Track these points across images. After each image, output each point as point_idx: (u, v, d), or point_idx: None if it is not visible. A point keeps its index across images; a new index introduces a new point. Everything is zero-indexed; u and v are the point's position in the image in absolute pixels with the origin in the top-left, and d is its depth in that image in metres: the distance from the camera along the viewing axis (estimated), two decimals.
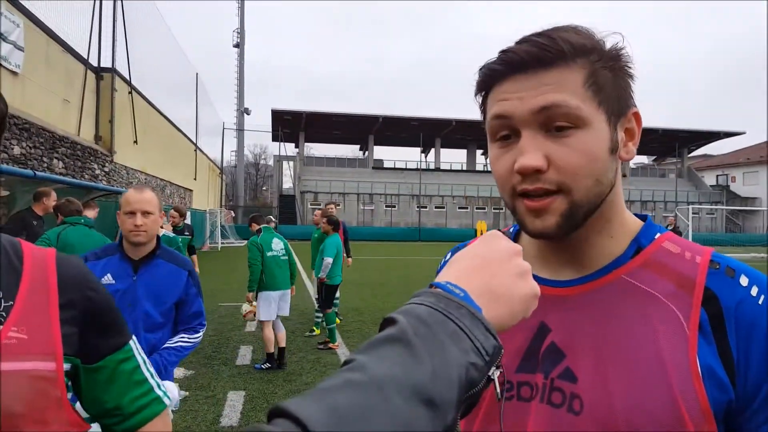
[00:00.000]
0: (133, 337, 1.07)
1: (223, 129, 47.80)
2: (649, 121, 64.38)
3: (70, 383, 0.95)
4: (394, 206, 49.27)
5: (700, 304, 0.71)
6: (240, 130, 57.90)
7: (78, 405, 1.01)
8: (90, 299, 0.96)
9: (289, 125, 54.25)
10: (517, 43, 0.73)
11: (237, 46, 58.56)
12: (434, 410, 0.45)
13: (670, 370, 0.68)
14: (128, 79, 18.33)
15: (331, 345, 7.16)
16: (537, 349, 0.78)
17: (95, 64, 16.19)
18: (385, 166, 57.02)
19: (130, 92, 18.43)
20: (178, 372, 6.07)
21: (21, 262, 0.92)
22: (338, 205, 9.49)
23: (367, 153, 59.07)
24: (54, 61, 13.21)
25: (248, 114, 59.05)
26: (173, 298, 2.68)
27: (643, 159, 66.28)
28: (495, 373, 0.53)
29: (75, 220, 4.68)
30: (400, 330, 0.49)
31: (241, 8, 57.87)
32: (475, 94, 0.78)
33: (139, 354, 1.08)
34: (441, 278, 0.59)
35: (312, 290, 10.26)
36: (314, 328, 7.96)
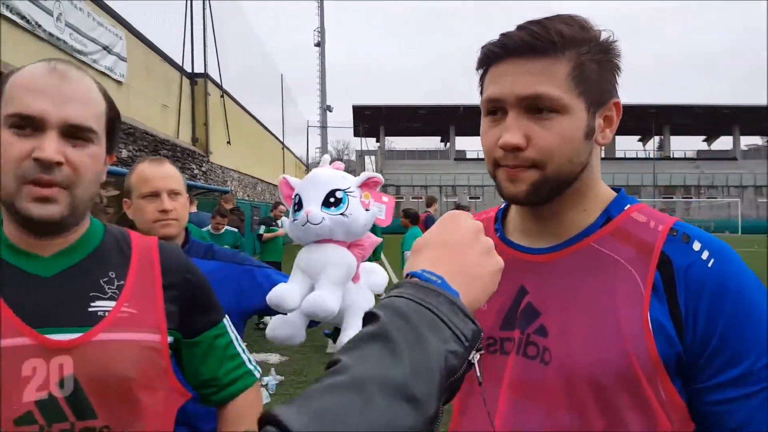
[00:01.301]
0: (226, 316, 1.19)
1: (307, 127, 49.33)
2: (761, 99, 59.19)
3: (173, 356, 1.05)
4: (479, 197, 48.59)
5: (655, 267, 0.79)
6: (323, 127, 59.41)
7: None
8: (188, 281, 1.08)
9: (370, 120, 54.88)
10: (517, 28, 0.81)
11: (318, 45, 59.95)
12: (416, 405, 0.47)
13: (624, 326, 0.77)
14: (219, 83, 19.27)
15: None
16: (515, 309, 0.88)
17: (189, 70, 17.16)
18: (468, 156, 56.25)
19: (221, 96, 19.38)
20: (274, 358, 6.38)
21: (130, 249, 1.04)
22: (435, 200, 9.59)
23: (448, 144, 58.57)
24: (153, 69, 14.14)
25: (330, 111, 60.45)
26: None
27: (757, 140, 60.91)
28: (475, 357, 0.56)
29: None
30: (380, 326, 0.51)
31: (321, 7, 59.15)
32: (476, 69, 0.88)
33: (232, 331, 1.20)
34: (416, 266, 0.63)
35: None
36: None
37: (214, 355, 1.12)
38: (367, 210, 1.38)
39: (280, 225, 9.01)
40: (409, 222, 7.44)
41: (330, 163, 1.46)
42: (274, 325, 1.37)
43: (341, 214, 1.31)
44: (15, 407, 0.85)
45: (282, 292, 1.29)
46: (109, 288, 0.96)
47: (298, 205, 1.35)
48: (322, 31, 59.51)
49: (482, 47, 0.85)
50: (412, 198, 57.57)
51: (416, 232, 7.42)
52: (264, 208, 12.66)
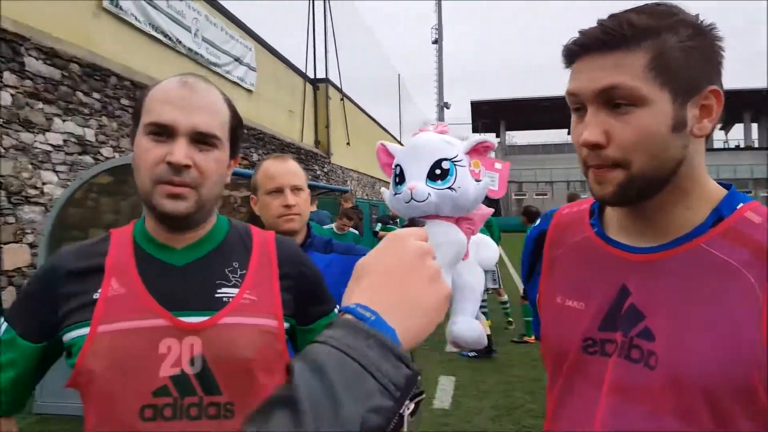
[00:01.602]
0: (338, 306, 1.20)
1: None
2: None
3: (289, 341, 1.11)
4: None
5: None
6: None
7: None
8: (302, 273, 1.14)
9: (489, 115, 53.84)
10: (597, 22, 0.80)
11: (435, 42, 60.00)
12: None
13: (741, 334, 0.73)
14: (339, 87, 19.98)
15: (527, 338, 6.94)
16: (618, 310, 0.84)
17: (312, 76, 17.98)
18: None
19: (341, 99, 20.09)
20: None
21: (251, 242, 1.13)
22: (578, 196, 9.07)
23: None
24: (280, 77, 14.99)
25: (448, 108, 60.16)
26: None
27: None
28: (408, 408, 0.52)
29: None
30: (290, 389, 0.47)
31: (439, 5, 59.10)
32: (564, 67, 0.86)
33: None
34: (352, 298, 0.57)
35: (519, 282, 10.02)
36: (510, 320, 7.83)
37: None
38: (477, 181, 1.23)
39: (398, 224, 9.08)
40: (528, 220, 7.10)
41: (433, 127, 1.32)
42: None
43: (449, 188, 1.19)
44: (153, 380, 0.95)
45: None
46: (233, 276, 1.05)
47: (400, 177, 1.25)
48: (439, 28, 59.46)
49: (564, 45, 0.84)
50: (536, 195, 55.57)
51: None
52: (382, 206, 12.92)
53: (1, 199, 5.39)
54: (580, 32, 0.81)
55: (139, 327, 0.96)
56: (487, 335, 6.55)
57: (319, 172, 17.13)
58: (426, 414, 4.56)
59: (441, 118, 58.15)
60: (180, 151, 0.96)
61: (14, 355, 1.02)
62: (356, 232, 7.26)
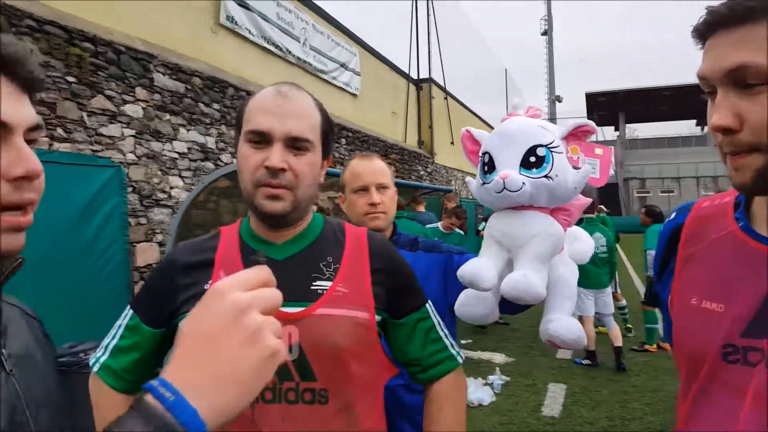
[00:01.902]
0: (429, 302, 1.24)
1: None
2: None
3: (381, 333, 1.16)
4: None
5: None
6: (552, 119, 57.07)
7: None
8: (393, 268, 1.19)
9: (606, 107, 50.76)
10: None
11: (545, 33, 57.76)
12: None
13: None
14: (443, 85, 19.91)
15: (647, 347, 6.46)
16: (764, 315, 0.76)
17: (415, 76, 18.09)
18: None
19: (445, 98, 20.00)
20: (499, 357, 6.31)
21: (344, 236, 1.19)
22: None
23: (706, 128, 51.08)
24: (383, 79, 15.25)
25: (560, 102, 57.57)
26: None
27: None
28: None
29: (399, 213, 5.35)
30: None
31: None
32: (699, 50, 0.81)
33: (434, 316, 1.25)
34: (165, 369, 0.51)
35: (640, 286, 9.37)
36: (629, 326, 7.31)
37: (417, 337, 1.19)
38: (576, 168, 1.13)
39: None
40: (651, 220, 6.55)
41: (524, 111, 1.23)
42: (464, 301, 1.21)
43: (545, 176, 1.09)
44: None
45: (475, 268, 1.11)
46: (327, 270, 1.12)
47: (489, 166, 1.16)
48: (549, 18, 57.19)
49: (692, 26, 0.80)
50: (661, 192, 51.20)
51: (658, 229, 6.57)
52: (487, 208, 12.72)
53: (134, 202, 6.02)
54: (706, 9, 0.76)
55: None
56: (617, 347, 6.10)
57: (422, 173, 17.19)
58: (533, 421, 4.45)
59: (553, 113, 55.89)
60: (276, 156, 1.04)
61: (138, 339, 1.15)
62: (461, 232, 7.22)
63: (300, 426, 1.01)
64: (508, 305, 1.26)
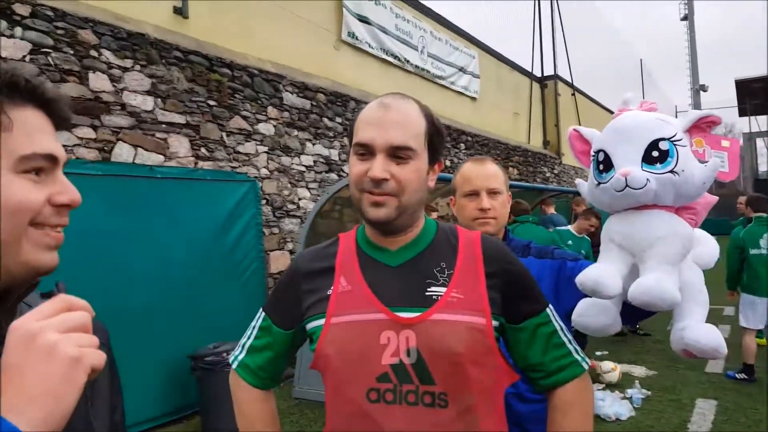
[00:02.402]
0: (550, 306, 1.19)
1: (675, 112, 43.86)
2: None
3: (500, 337, 1.15)
4: None
5: None
6: (697, 110, 51.74)
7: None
8: (508, 271, 1.16)
9: (761, 94, 45.16)
10: None
11: (685, 18, 52.82)
12: None
13: None
14: (570, 81, 18.99)
15: None
16: None
17: (538, 74, 17.45)
18: None
19: (572, 94, 19.07)
20: (639, 370, 5.90)
21: (457, 242, 1.18)
22: None
23: None
24: (503, 80, 14.92)
25: (705, 91, 52.22)
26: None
27: None
28: None
29: (524, 218, 5.21)
30: None
31: None
32: None
33: (556, 321, 1.20)
34: None
35: None
36: None
37: (538, 342, 1.16)
38: (702, 162, 1.04)
39: None
40: None
41: (636, 106, 1.14)
42: (583, 311, 1.16)
43: (670, 171, 1.01)
44: (377, 367, 1.06)
45: (598, 275, 1.05)
46: (440, 276, 1.12)
47: (605, 164, 1.09)
48: (689, 1, 52.22)
49: None
50: None
51: None
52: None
53: (268, 213, 6.48)
54: None
55: (364, 320, 1.09)
56: None
57: (548, 174, 16.53)
58: None
59: (697, 104, 50.84)
60: (378, 166, 1.08)
61: (270, 339, 1.24)
62: (589, 239, 6.79)
63: (422, 428, 1.03)
64: (628, 314, 1.19)
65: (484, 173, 1.79)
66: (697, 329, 1.04)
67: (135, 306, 4.66)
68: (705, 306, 1.10)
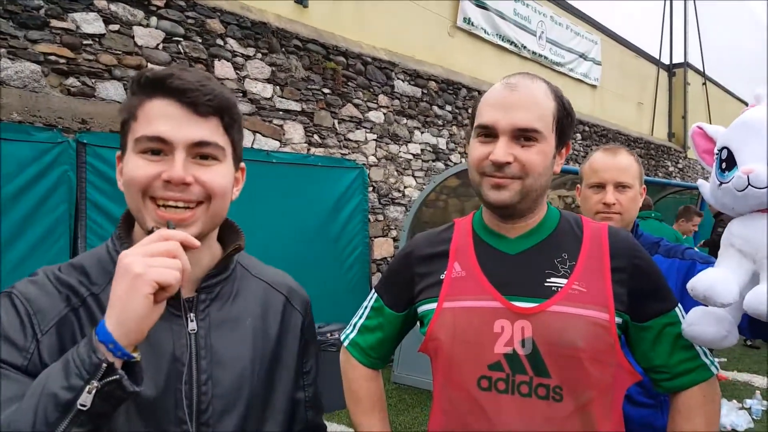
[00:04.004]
0: (679, 305, 1.12)
1: None
2: None
3: (622, 336, 1.09)
4: None
5: None
6: None
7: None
8: (637, 266, 1.09)
9: None
10: None
11: None
12: None
13: None
14: (702, 70, 17.36)
15: None
16: None
17: (666, 62, 16.11)
18: None
19: (704, 83, 17.41)
20: (760, 380, 5.60)
21: (581, 232, 1.14)
22: None
23: None
24: (627, 67, 13.92)
25: None
26: None
27: None
28: (92, 386, 0.70)
29: (646, 214, 4.87)
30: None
31: None
32: None
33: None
34: None
35: None
36: None
37: (664, 342, 1.09)
38: None
39: None
40: None
41: None
42: (693, 319, 1.06)
43: None
44: (489, 355, 1.04)
45: (711, 280, 0.97)
46: (562, 267, 1.08)
47: (727, 163, 1.02)
48: None
49: None
50: None
51: None
52: None
53: (374, 200, 6.56)
54: None
55: (478, 306, 1.07)
56: None
57: (672, 168, 15.29)
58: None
59: None
60: (500, 149, 1.04)
61: (381, 320, 1.25)
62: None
63: (534, 421, 1.00)
64: (752, 327, 1.10)
65: (614, 165, 1.69)
66: (756, 294, 0.93)
67: None
68: None
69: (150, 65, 4.55)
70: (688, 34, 16.81)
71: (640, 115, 14.57)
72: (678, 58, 16.47)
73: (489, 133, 1.07)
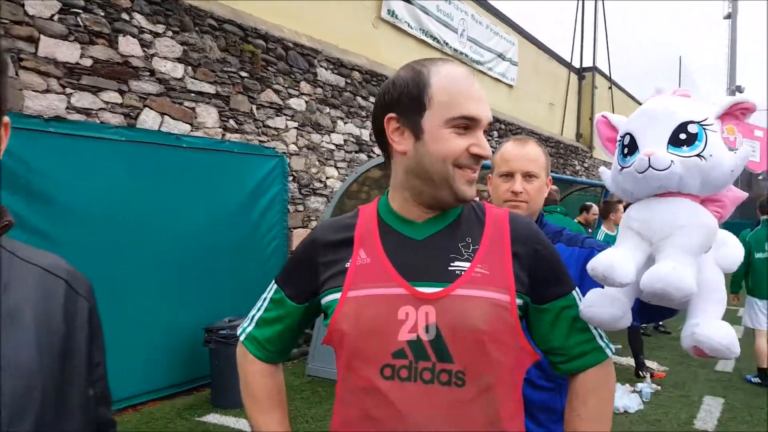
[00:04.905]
0: (576, 289, 1.14)
1: None
2: None
3: (523, 317, 1.10)
4: None
5: None
6: (731, 96, 50.22)
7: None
8: (537, 251, 1.11)
9: None
10: None
11: (728, 17, 51.01)
12: None
13: None
14: (608, 74, 18.45)
15: None
16: None
17: (577, 65, 16.97)
18: None
19: (609, 87, 18.54)
20: (651, 366, 6.02)
21: (484, 216, 1.14)
22: None
23: None
24: (541, 69, 14.52)
25: (741, 92, 50.59)
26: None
27: None
28: None
29: (552, 208, 5.09)
30: None
31: None
32: None
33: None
34: None
35: None
36: None
37: (562, 325, 1.12)
38: (733, 150, 0.98)
39: None
40: None
41: (670, 93, 1.07)
42: (592, 301, 1.07)
43: (697, 155, 0.95)
44: (393, 343, 1.02)
45: (612, 261, 0.98)
46: (465, 251, 1.07)
47: (630, 148, 1.04)
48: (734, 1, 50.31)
49: None
50: None
51: None
52: None
53: (294, 190, 6.36)
54: None
55: (382, 294, 1.04)
56: None
57: (578, 167, 16.16)
58: None
59: None
60: (486, 144, 1.06)
61: (281, 312, 1.19)
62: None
63: (437, 407, 0.99)
64: (644, 311, 1.15)
65: (523, 155, 1.72)
66: (710, 326, 0.98)
67: (152, 274, 4.61)
68: (722, 305, 1.03)
69: (43, 37, 4.10)
70: (597, 41, 17.81)
71: (551, 116, 15.26)
72: (588, 63, 17.42)
73: (469, 125, 1.06)
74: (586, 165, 16.80)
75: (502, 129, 11.45)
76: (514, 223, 1.14)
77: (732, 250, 1.13)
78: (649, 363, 5.95)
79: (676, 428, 4.38)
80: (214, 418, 4.35)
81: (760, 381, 5.40)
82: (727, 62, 51.03)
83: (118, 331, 4.31)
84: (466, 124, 1.05)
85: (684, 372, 5.89)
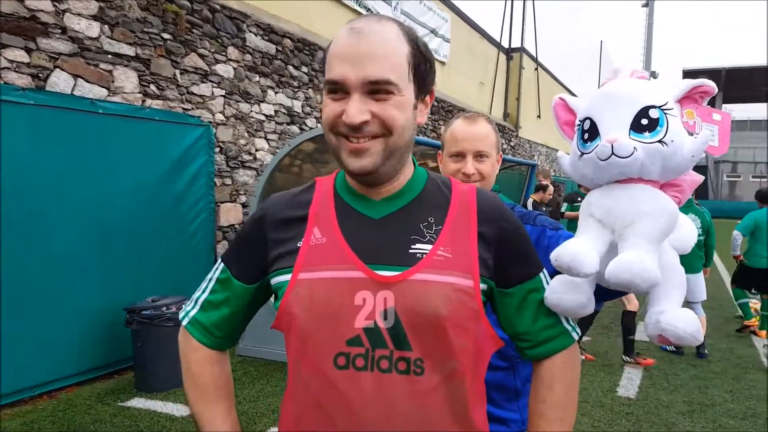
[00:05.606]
0: (544, 271, 1.10)
1: None
2: None
3: (487, 302, 1.05)
4: None
5: None
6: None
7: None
8: (503, 229, 1.05)
9: None
10: None
11: (646, 5, 53.79)
12: None
13: None
14: (535, 56, 18.96)
15: (747, 323, 6.68)
16: None
17: (506, 46, 17.30)
18: None
19: (536, 69, 19.07)
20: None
21: (450, 193, 1.07)
22: None
23: None
24: (474, 48, 14.67)
25: (655, 78, 53.86)
26: None
27: None
28: None
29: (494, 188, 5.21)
30: None
31: None
32: None
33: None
34: None
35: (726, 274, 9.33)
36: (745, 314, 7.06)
37: (528, 309, 1.07)
38: (693, 134, 0.98)
39: None
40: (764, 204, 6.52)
41: (628, 75, 1.06)
42: (556, 288, 1.05)
43: (659, 141, 0.95)
44: (348, 330, 0.95)
45: (576, 251, 0.97)
46: (427, 232, 1.01)
47: (590, 133, 1.01)
48: None
49: None
50: (753, 177, 48.50)
51: (759, 214, 6.50)
52: (570, 184, 12.07)
53: (221, 162, 6.06)
54: None
55: (338, 277, 0.97)
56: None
57: (505, 146, 16.59)
58: (608, 401, 4.50)
59: None
60: (353, 108, 0.93)
61: (228, 294, 1.10)
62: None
63: (395, 398, 0.94)
64: (599, 293, 1.12)
65: (474, 134, 1.68)
66: (674, 314, 0.98)
67: (66, 251, 4.25)
68: (682, 288, 1.04)
69: None
70: (525, 23, 18.20)
71: (481, 94, 15.51)
72: (516, 44, 17.80)
73: (339, 89, 0.96)
74: (512, 144, 17.28)
75: (435, 106, 11.50)
76: (482, 201, 1.07)
77: (686, 233, 1.14)
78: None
79: (601, 396, 4.60)
80: (138, 402, 4.09)
81: (674, 349, 5.80)
82: (643, 48, 53.95)
83: (29, 312, 3.97)
84: (335, 89, 0.96)
85: (605, 342, 6.22)
